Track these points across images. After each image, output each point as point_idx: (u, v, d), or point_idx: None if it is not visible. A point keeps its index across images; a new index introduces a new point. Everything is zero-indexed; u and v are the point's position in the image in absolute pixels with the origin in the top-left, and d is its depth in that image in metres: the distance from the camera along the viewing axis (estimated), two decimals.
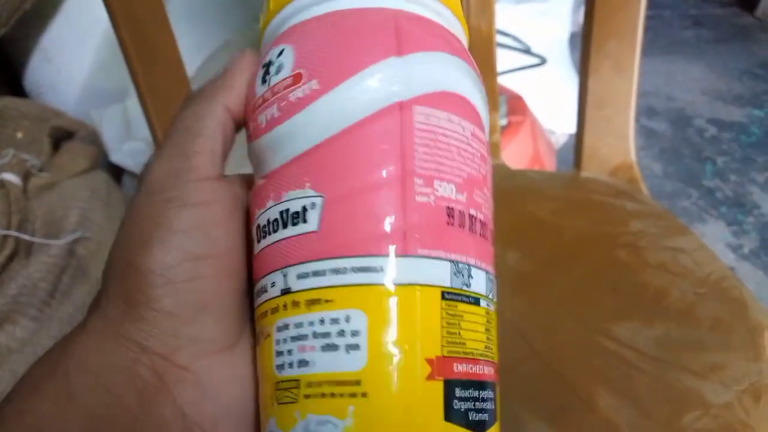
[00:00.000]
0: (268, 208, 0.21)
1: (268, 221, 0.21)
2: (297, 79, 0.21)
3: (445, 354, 0.19)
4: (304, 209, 0.20)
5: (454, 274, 0.20)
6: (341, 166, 0.20)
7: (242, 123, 0.24)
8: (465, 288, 0.20)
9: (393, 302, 0.19)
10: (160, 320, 0.20)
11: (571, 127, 1.43)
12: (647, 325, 0.43)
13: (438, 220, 0.20)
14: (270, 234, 0.21)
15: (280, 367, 0.20)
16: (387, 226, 0.20)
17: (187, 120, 0.23)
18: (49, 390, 0.19)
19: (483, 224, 0.22)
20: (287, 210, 0.20)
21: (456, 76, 0.22)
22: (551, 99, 1.27)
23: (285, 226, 0.20)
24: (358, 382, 0.19)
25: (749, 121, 1.49)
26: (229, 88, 0.23)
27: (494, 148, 0.68)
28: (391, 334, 0.19)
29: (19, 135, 0.77)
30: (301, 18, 0.23)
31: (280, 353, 0.20)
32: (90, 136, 0.83)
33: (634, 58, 0.57)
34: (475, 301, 0.21)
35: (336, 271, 0.19)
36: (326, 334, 0.19)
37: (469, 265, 0.21)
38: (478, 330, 0.20)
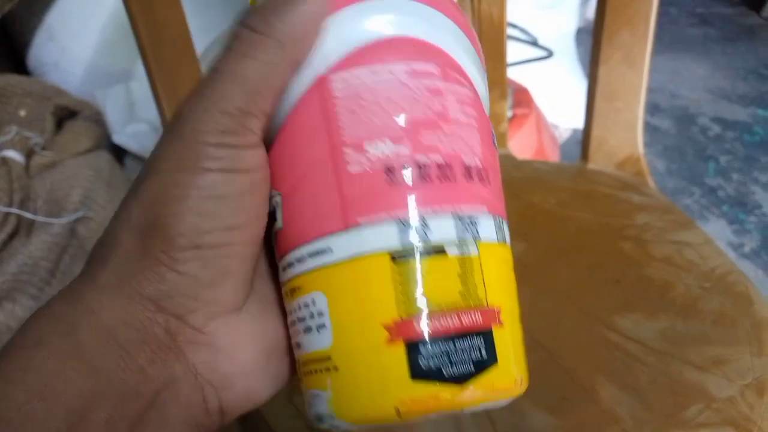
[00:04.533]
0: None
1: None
2: None
3: (403, 316, 0.19)
4: (274, 209, 0.22)
5: (404, 232, 0.20)
6: (286, 160, 0.21)
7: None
8: (422, 241, 0.20)
9: (344, 278, 0.20)
10: (181, 283, 0.20)
11: (575, 122, 1.43)
12: (651, 318, 0.43)
13: (376, 183, 0.20)
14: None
15: (294, 348, 0.22)
16: (326, 206, 0.20)
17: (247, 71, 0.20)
18: (54, 346, 0.18)
19: (442, 165, 0.20)
20: (270, 211, 0.22)
21: (378, 19, 0.21)
22: (556, 93, 1.27)
23: (271, 224, 0.22)
24: (329, 358, 0.20)
25: (753, 121, 1.49)
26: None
27: (501, 138, 0.67)
28: (347, 308, 0.20)
29: (22, 113, 0.77)
30: None
31: (291, 338, 0.22)
32: (94, 116, 0.83)
33: (645, 51, 0.56)
34: (438, 251, 0.20)
35: (299, 260, 0.21)
36: (303, 319, 0.21)
37: (423, 216, 0.20)
38: (446, 279, 0.20)
